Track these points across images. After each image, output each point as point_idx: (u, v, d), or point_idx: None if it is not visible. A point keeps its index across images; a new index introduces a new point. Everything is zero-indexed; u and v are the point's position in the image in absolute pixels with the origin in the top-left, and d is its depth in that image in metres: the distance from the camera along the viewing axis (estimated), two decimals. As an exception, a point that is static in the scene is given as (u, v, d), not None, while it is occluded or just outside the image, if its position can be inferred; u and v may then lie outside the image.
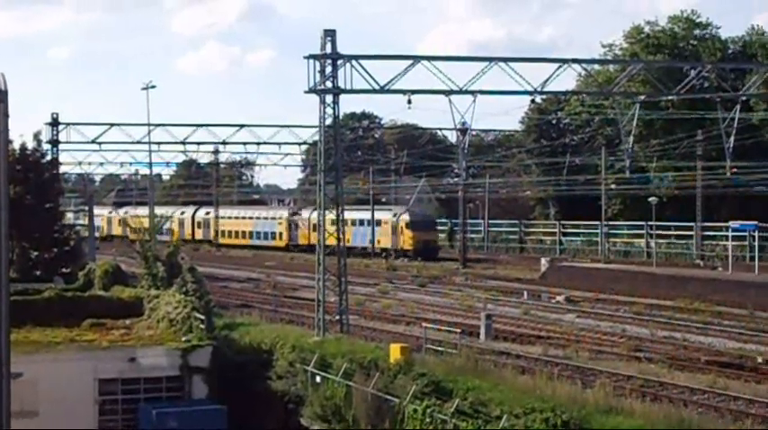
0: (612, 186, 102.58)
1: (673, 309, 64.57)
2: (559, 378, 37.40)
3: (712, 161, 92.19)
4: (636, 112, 58.73)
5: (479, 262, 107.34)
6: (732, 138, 58.96)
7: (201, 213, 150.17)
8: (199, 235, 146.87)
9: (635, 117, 59.23)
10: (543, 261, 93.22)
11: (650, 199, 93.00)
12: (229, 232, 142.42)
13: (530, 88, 50.45)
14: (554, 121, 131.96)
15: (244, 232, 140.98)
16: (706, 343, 50.83)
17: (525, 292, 73.96)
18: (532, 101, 55.03)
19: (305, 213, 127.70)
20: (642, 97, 62.56)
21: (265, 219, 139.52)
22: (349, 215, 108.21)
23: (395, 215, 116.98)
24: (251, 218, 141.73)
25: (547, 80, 50.70)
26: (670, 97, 71.36)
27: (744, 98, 62.50)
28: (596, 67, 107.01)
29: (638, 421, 28.67)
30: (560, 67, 51.21)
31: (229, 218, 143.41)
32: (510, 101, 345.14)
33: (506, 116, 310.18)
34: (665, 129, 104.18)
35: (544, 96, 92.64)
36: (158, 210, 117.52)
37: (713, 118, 66.74)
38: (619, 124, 64.82)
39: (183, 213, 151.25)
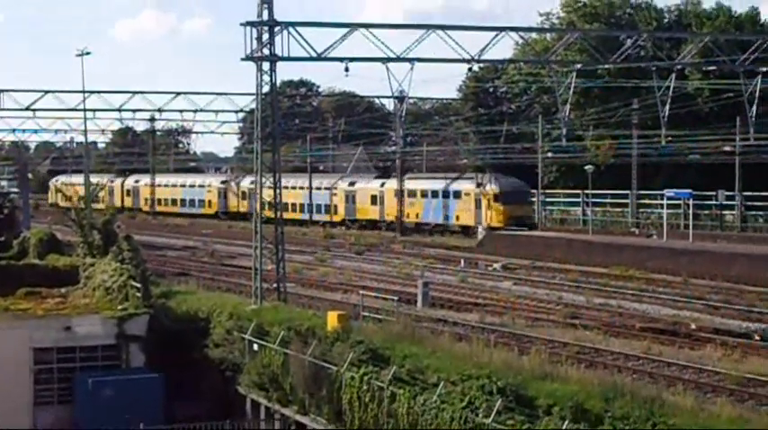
0: (549, 154, 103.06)
1: (608, 276, 65.17)
2: (496, 345, 37.55)
3: (648, 129, 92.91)
4: (572, 81, 58.99)
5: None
6: (667, 107, 59.44)
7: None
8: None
9: (572, 85, 59.51)
10: (480, 229, 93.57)
11: (586, 167, 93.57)
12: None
13: (467, 56, 50.47)
14: (491, 90, 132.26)
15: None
16: (641, 310, 51.41)
17: (462, 260, 74.28)
18: (470, 69, 54.96)
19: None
20: (579, 66, 62.71)
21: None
22: (417, 185, 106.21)
23: (479, 185, 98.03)
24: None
25: (484, 48, 50.78)
26: (606, 66, 71.73)
27: (679, 67, 62.97)
28: (534, 35, 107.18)
29: (574, 387, 28.87)
30: (498, 35, 51.25)
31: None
32: (448, 69, 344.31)
33: (444, 84, 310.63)
34: (602, 98, 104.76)
35: (482, 65, 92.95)
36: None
37: (649, 87, 67.24)
38: (556, 93, 65.08)
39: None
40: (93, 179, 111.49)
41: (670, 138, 75.70)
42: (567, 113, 65.95)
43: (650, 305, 52.92)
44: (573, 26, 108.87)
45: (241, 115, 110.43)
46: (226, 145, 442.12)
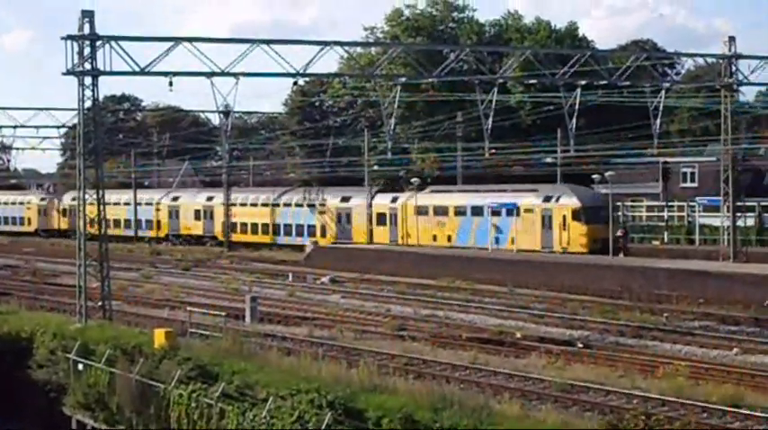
0: (375, 167, 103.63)
1: (435, 287, 65.83)
2: (325, 358, 37.66)
3: (472, 142, 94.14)
4: (397, 95, 59.38)
5: (247, 245, 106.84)
6: (490, 120, 60.29)
7: None
8: None
9: (396, 99, 59.92)
10: (308, 243, 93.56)
11: (412, 180, 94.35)
12: None
13: (292, 70, 50.44)
14: (317, 104, 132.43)
15: None
16: (467, 320, 52.04)
17: (290, 274, 74.21)
18: (295, 83, 54.89)
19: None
20: (403, 79, 63.26)
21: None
22: (446, 199, 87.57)
23: (547, 199, 79.99)
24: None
25: (309, 62, 50.82)
26: (430, 80, 72.34)
27: (501, 80, 63.90)
28: (358, 49, 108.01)
29: (403, 398, 29.10)
30: (323, 49, 51.37)
31: None
32: (273, 83, 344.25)
33: (270, 98, 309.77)
34: (427, 111, 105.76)
35: (307, 79, 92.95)
36: None
37: (472, 100, 68.09)
38: (381, 106, 65.44)
39: None
40: None
41: (493, 151, 76.72)
42: (393, 127, 66.25)
43: (476, 315, 53.64)
44: (397, 40, 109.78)
45: (63, 130, 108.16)
46: (47, 161, 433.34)
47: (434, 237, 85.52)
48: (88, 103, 46.65)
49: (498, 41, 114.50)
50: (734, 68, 66.26)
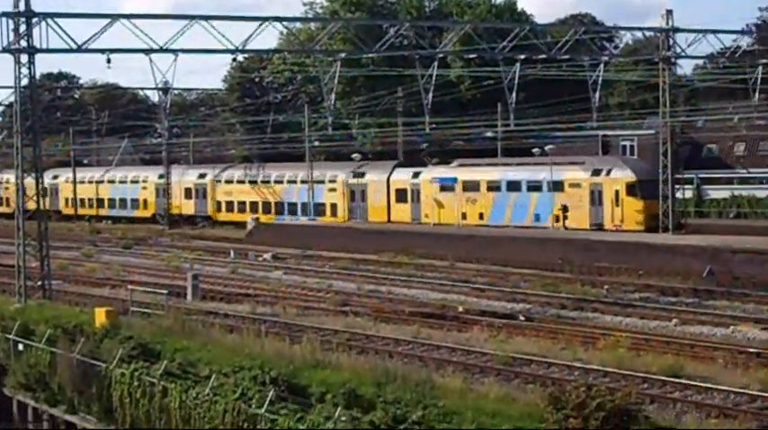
0: (316, 143, 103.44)
1: (377, 263, 65.94)
2: (267, 335, 37.60)
3: (413, 117, 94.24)
4: (337, 70, 59.28)
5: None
6: (431, 95, 60.39)
7: None
8: None
9: (336, 75, 59.81)
10: (249, 220, 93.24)
11: (353, 155, 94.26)
12: None
13: (231, 47, 50.19)
14: (257, 80, 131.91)
15: None
16: (410, 295, 52.18)
17: (232, 251, 74.03)
18: (234, 59, 54.62)
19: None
20: (343, 55, 63.20)
21: None
22: (475, 174, 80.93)
23: (596, 172, 73.58)
24: None
25: (248, 38, 50.58)
26: (370, 55, 72.48)
27: (441, 55, 64.00)
28: (298, 25, 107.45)
29: (346, 374, 29.15)
30: (262, 25, 51.11)
31: None
32: (213, 59, 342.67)
33: (209, 75, 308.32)
34: (367, 87, 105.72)
35: (247, 55, 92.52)
36: None
37: (412, 75, 68.10)
38: (321, 82, 65.32)
39: None
40: None
41: (434, 125, 76.93)
42: (333, 102, 66.30)
43: (419, 290, 53.78)
44: (336, 15, 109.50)
45: (0, 109, 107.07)
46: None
47: (463, 215, 79.23)
48: (25, 81, 46.22)
49: (438, 16, 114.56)
50: (671, 42, 66.82)
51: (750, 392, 29.07)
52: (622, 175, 71.58)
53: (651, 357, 33.99)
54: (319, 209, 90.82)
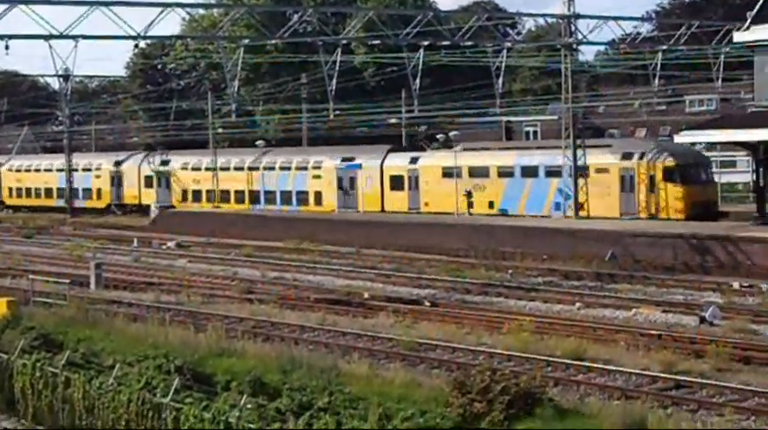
0: (220, 130, 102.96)
1: (282, 250, 65.80)
2: (172, 324, 37.34)
3: (317, 103, 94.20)
4: (241, 57, 59.02)
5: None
6: (334, 81, 60.41)
7: None
8: None
9: (240, 61, 59.54)
10: (153, 207, 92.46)
11: (257, 142, 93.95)
12: None
13: (133, 33, 49.67)
14: (160, 66, 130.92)
15: None
16: (315, 281, 52.13)
17: (135, 240, 73.39)
18: (136, 46, 54.19)
19: None
20: (246, 41, 62.92)
21: None
22: (490, 159, 73.92)
23: (627, 156, 66.77)
24: None
25: (150, 24, 50.16)
26: (274, 41, 72.08)
27: (345, 42, 64.04)
28: (201, 11, 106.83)
29: (251, 361, 29.08)
30: (164, 11, 50.70)
31: None
32: (114, 46, 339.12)
33: (111, 62, 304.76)
34: (271, 73, 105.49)
35: (149, 41, 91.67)
36: None
37: (316, 61, 68.11)
38: (224, 69, 64.99)
39: None
40: None
41: (338, 112, 76.97)
42: (237, 89, 66.00)
43: (324, 277, 53.76)
44: (239, 1, 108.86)
45: None
46: None
47: (470, 204, 72.49)
48: None
49: (342, 2, 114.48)
50: (573, 28, 67.44)
51: (651, 373, 29.45)
52: (660, 158, 64.96)
53: (555, 340, 34.31)
54: (301, 198, 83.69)
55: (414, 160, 77.55)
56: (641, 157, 65.28)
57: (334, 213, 79.37)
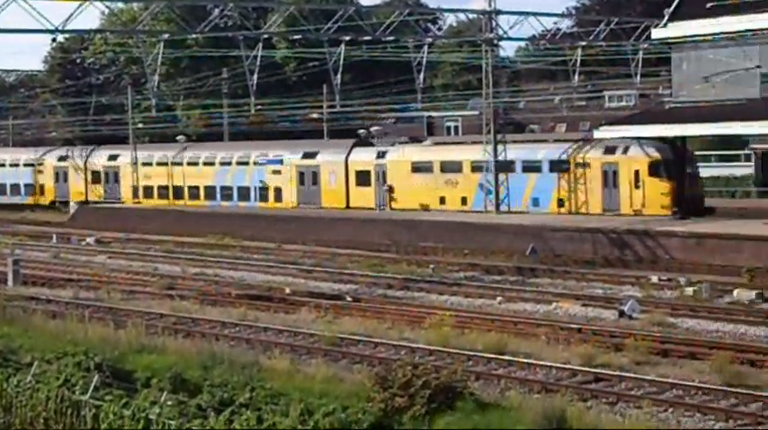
0: (140, 125, 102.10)
1: (203, 245, 65.48)
2: (91, 320, 37.00)
3: (238, 98, 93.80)
4: (160, 51, 58.59)
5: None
6: (256, 76, 60.21)
7: None
8: None
9: (160, 56, 59.12)
10: (72, 203, 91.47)
11: (178, 137, 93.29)
12: None
13: (51, 26, 49.13)
14: (78, 61, 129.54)
15: None
16: (236, 277, 51.95)
17: (54, 236, 72.64)
18: (54, 40, 53.58)
19: None
20: (166, 36, 62.55)
21: None
22: (462, 154, 70.97)
23: (609, 150, 63.43)
24: None
25: (69, 18, 49.66)
26: (194, 35, 71.80)
27: (266, 36, 63.83)
28: (120, 5, 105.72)
29: (172, 358, 28.90)
30: (82, 5, 50.25)
31: None
32: (32, 40, 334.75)
33: (28, 55, 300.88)
34: (192, 68, 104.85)
35: (67, 35, 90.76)
36: None
37: (237, 56, 67.78)
38: (144, 63, 64.48)
39: None
40: None
41: (259, 107, 76.69)
42: (157, 84, 65.52)
43: (245, 272, 53.58)
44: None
45: None
46: None
47: (442, 200, 70.04)
48: None
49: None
50: (494, 24, 67.73)
51: (571, 367, 29.72)
52: (640, 153, 62.13)
53: (476, 335, 34.49)
54: (262, 194, 79.67)
55: (381, 154, 74.31)
56: (625, 151, 62.67)
57: (256, 209, 78.50)
